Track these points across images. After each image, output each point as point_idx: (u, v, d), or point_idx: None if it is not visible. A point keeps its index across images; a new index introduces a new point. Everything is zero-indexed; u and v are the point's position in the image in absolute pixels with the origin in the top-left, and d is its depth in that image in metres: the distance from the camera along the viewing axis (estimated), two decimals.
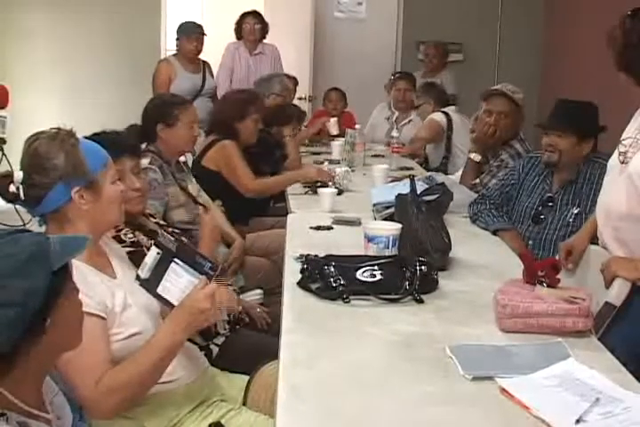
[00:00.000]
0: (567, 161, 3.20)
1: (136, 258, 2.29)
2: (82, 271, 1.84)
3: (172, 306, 1.94)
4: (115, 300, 1.93)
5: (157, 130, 3.43)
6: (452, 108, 5.61)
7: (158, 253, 1.99)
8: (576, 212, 3.16)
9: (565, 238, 3.02)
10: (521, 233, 3.28)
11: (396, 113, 6.02)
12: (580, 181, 3.19)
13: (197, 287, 1.87)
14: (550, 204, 3.26)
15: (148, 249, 2.44)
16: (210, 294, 1.86)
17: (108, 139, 2.53)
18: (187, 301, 1.87)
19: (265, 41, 6.40)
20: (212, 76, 6.05)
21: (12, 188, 1.93)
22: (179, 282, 1.93)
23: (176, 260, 1.94)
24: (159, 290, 1.97)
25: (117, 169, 2.48)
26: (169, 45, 6.98)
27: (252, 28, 6.28)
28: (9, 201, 1.97)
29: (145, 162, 3.08)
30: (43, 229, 1.98)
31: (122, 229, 2.44)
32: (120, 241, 2.38)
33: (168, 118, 3.47)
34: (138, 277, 2.02)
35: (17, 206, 2.02)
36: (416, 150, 5.47)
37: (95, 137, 2.52)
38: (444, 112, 5.48)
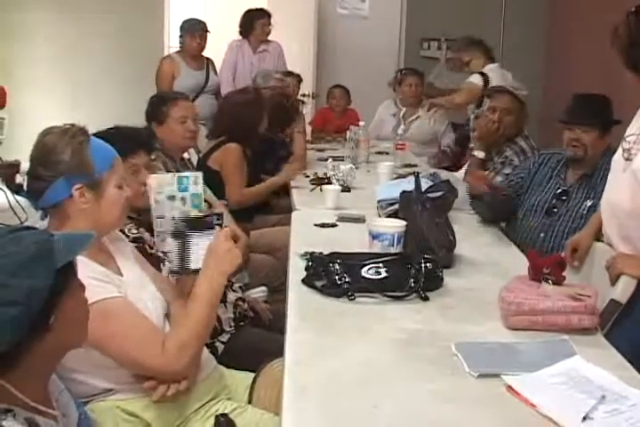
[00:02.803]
0: (592, 155, 3.20)
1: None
2: (89, 264, 1.86)
3: None
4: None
5: (153, 128, 3.47)
6: (495, 65, 5.58)
7: (175, 240, 2.09)
8: (589, 204, 3.16)
9: (578, 231, 3.02)
10: (533, 225, 3.29)
11: (403, 109, 6.00)
12: (596, 174, 3.19)
13: (215, 235, 2.03)
14: (564, 197, 3.26)
15: (151, 247, 2.45)
16: (228, 236, 2.04)
17: (125, 132, 2.55)
18: (212, 247, 2.02)
19: (268, 38, 6.38)
20: (216, 73, 6.02)
21: (19, 178, 1.94)
22: (203, 249, 2.06)
23: (188, 233, 2.08)
24: (192, 266, 2.09)
25: (134, 163, 2.51)
26: (172, 43, 6.96)
27: (266, 28, 6.23)
28: (14, 191, 1.98)
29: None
30: (44, 222, 1.98)
31: (127, 224, 2.44)
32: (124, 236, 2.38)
33: (158, 116, 3.52)
34: (172, 272, 2.13)
35: (14, 202, 2.03)
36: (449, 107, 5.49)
37: (113, 130, 2.53)
38: (482, 73, 5.47)
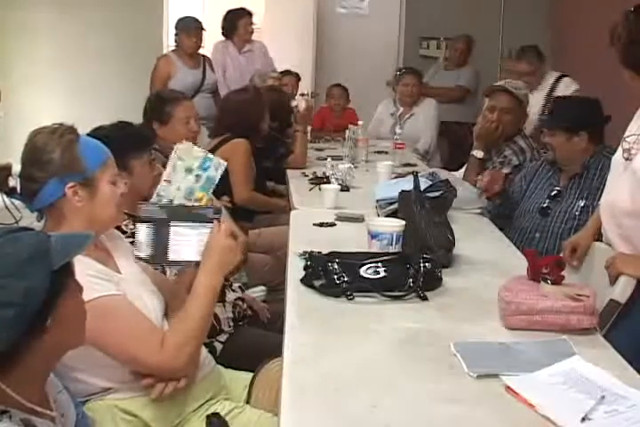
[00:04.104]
0: (563, 156, 3.24)
1: None
2: (88, 262, 1.85)
3: (193, 263, 2.03)
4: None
5: (155, 128, 3.45)
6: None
7: (148, 227, 2.03)
8: (582, 204, 3.17)
9: (571, 231, 3.03)
10: (527, 226, 3.31)
11: (401, 109, 6.00)
12: (590, 174, 3.21)
13: (214, 231, 2.00)
14: (558, 198, 3.28)
15: None
16: (229, 232, 2.02)
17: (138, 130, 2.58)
18: (211, 243, 2.00)
19: (254, 38, 6.32)
20: (213, 70, 5.94)
21: (12, 181, 1.93)
22: (189, 240, 2.02)
23: (173, 223, 2.02)
24: (171, 258, 2.04)
25: (152, 158, 2.54)
26: (171, 42, 6.95)
27: (249, 28, 6.19)
28: (7, 194, 1.97)
29: None
30: (40, 224, 1.98)
31: (124, 220, 2.43)
32: (122, 232, 2.37)
33: (161, 116, 3.49)
34: (139, 258, 2.06)
35: (9, 203, 2.03)
36: None
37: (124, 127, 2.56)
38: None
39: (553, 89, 5.20)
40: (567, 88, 5.24)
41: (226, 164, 2.33)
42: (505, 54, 6.48)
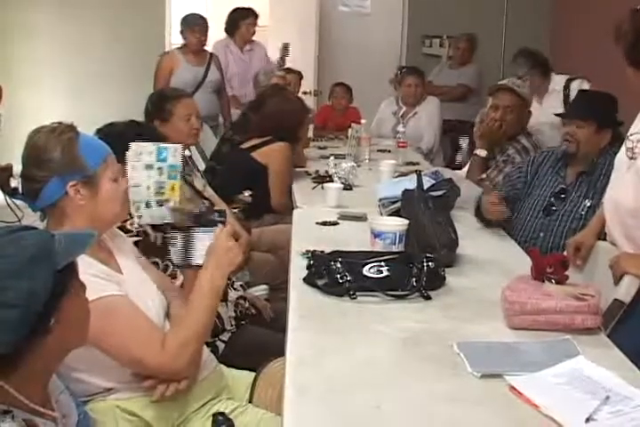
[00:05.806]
0: (585, 151, 3.18)
1: (143, 247, 2.33)
2: (90, 262, 1.85)
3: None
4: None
5: (156, 126, 3.44)
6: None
7: (181, 233, 2.10)
8: (588, 204, 3.14)
9: (577, 231, 3.01)
10: (532, 225, 3.27)
11: (404, 108, 5.98)
12: (596, 173, 3.17)
13: (216, 233, 2.04)
14: (563, 195, 3.24)
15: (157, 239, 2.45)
16: (229, 234, 2.05)
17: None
18: (212, 246, 2.03)
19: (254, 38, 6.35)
20: (218, 68, 5.89)
21: (14, 182, 1.93)
22: (203, 245, 2.07)
23: (193, 229, 2.09)
24: (196, 262, 2.09)
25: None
26: (173, 40, 6.95)
27: (251, 29, 6.21)
28: (9, 195, 1.97)
29: None
30: (44, 223, 1.97)
31: (128, 219, 2.43)
32: (126, 231, 2.37)
33: (162, 114, 3.48)
34: (175, 265, 2.16)
35: (11, 202, 2.02)
36: None
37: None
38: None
39: (567, 95, 4.88)
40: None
41: (180, 146, 2.35)
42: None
